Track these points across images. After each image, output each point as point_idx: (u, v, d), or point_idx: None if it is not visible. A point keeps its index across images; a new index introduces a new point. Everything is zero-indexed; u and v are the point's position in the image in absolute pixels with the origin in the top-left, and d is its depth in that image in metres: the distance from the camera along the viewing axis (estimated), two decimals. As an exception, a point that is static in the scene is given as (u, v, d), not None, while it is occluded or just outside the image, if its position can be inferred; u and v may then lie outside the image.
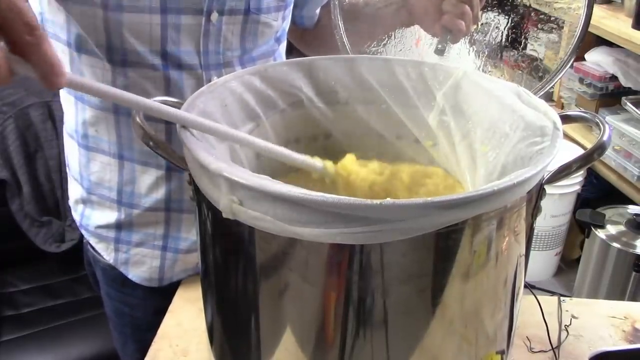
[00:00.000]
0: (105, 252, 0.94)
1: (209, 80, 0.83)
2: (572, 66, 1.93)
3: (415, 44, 0.96)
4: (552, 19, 0.97)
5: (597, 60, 1.89)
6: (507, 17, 0.97)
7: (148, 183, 0.88)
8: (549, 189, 0.59)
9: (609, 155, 1.78)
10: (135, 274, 0.93)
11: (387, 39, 0.97)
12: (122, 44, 0.79)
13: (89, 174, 0.90)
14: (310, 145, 0.78)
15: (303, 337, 0.57)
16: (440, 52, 0.86)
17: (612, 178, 1.80)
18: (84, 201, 0.93)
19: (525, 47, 1.00)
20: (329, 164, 0.69)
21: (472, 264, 0.54)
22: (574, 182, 1.81)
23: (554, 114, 0.62)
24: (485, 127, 0.70)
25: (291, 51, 1.06)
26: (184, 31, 0.81)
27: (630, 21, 1.74)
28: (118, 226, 0.91)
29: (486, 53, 0.96)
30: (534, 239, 0.75)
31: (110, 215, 0.91)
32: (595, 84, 1.91)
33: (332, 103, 0.78)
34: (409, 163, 0.77)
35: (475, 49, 0.96)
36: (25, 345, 1.49)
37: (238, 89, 0.70)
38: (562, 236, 1.90)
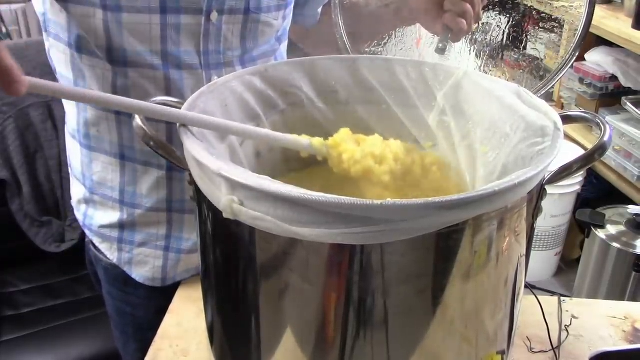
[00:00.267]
0: (109, 252, 0.94)
1: (209, 80, 0.83)
2: (572, 66, 1.93)
3: (416, 43, 0.97)
4: (553, 18, 0.97)
5: (597, 60, 1.89)
6: (508, 16, 0.97)
7: (149, 183, 0.88)
8: (549, 189, 0.59)
9: (609, 155, 1.78)
10: (139, 273, 0.93)
11: (387, 38, 0.97)
12: (122, 44, 0.79)
13: (92, 174, 0.90)
14: (310, 145, 0.78)
15: (303, 338, 0.57)
16: (441, 51, 0.85)
17: (612, 178, 1.80)
18: (87, 201, 0.93)
19: (526, 47, 1.00)
20: (316, 141, 0.67)
21: (472, 264, 0.54)
22: (574, 182, 1.81)
23: (554, 114, 0.62)
24: (486, 128, 0.70)
25: (291, 50, 1.06)
26: (183, 31, 0.81)
27: (630, 21, 1.74)
28: (121, 226, 0.91)
29: (487, 52, 0.96)
30: (534, 239, 0.75)
31: (113, 215, 0.91)
32: (595, 84, 1.91)
33: (332, 103, 0.77)
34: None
35: (476, 48, 0.96)
36: (25, 345, 1.49)
37: (238, 88, 0.70)
38: (562, 236, 1.90)
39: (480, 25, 0.94)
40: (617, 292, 1.63)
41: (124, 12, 0.77)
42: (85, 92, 0.56)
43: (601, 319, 0.90)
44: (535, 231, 0.62)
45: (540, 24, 0.99)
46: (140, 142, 0.59)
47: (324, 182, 0.74)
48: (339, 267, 0.52)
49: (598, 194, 1.98)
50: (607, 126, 0.59)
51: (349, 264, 0.51)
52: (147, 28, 0.78)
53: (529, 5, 0.98)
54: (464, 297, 0.55)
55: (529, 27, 1.00)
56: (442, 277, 0.53)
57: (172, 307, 0.89)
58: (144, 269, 0.93)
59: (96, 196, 0.91)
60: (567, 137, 1.87)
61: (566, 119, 0.64)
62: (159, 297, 0.93)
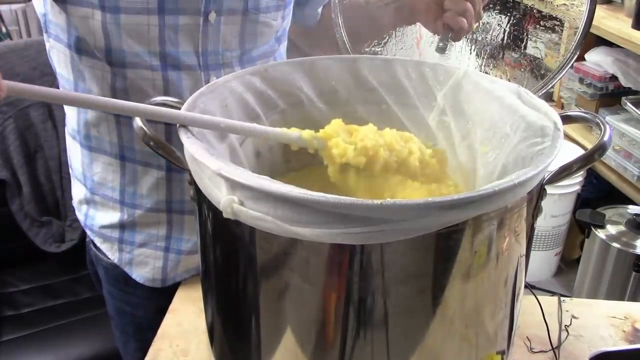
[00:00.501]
0: (110, 252, 0.94)
1: (208, 81, 0.83)
2: (572, 66, 1.93)
3: (416, 43, 0.96)
4: (554, 17, 0.97)
5: (597, 60, 1.89)
6: (508, 15, 0.97)
7: (149, 184, 0.88)
8: (549, 189, 0.59)
9: (609, 156, 1.78)
10: (139, 274, 0.93)
11: (387, 37, 0.97)
12: (120, 46, 0.79)
13: (92, 175, 0.90)
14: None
15: (303, 338, 0.57)
16: (441, 50, 0.85)
17: (612, 178, 1.80)
18: (88, 201, 0.93)
19: (526, 46, 1.00)
20: (305, 133, 0.66)
21: (472, 264, 0.54)
22: (574, 182, 1.81)
23: (554, 114, 0.62)
24: (486, 128, 0.70)
25: (290, 51, 1.06)
26: (182, 32, 0.80)
27: (630, 21, 1.74)
28: (122, 226, 0.91)
29: (487, 52, 0.96)
30: (534, 239, 0.75)
31: (113, 216, 0.91)
32: (595, 84, 1.91)
33: (332, 103, 0.77)
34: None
35: (476, 47, 0.96)
36: (25, 345, 1.49)
37: (238, 89, 0.70)
38: (562, 236, 1.90)
39: (481, 24, 0.94)
40: (617, 292, 1.63)
41: (122, 13, 0.77)
42: (67, 95, 0.55)
43: (601, 319, 0.90)
44: (535, 231, 0.62)
45: (541, 23, 0.99)
46: (140, 142, 0.59)
47: (323, 182, 0.74)
48: (339, 267, 0.52)
49: (598, 194, 1.98)
50: (607, 126, 0.59)
51: (349, 264, 0.51)
52: (145, 29, 0.78)
53: (529, 4, 0.98)
54: (464, 297, 0.55)
55: (529, 26, 1.00)
56: (442, 277, 0.53)
57: (172, 307, 0.89)
58: (144, 269, 0.93)
59: (97, 196, 0.91)
60: (567, 137, 1.87)
61: (566, 119, 0.64)
62: (159, 297, 0.93)
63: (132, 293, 0.96)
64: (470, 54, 0.96)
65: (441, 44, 0.85)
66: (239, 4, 0.83)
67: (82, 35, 0.79)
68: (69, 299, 1.64)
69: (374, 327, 0.54)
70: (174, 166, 0.61)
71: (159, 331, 0.85)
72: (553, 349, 0.83)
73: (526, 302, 0.87)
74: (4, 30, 2.49)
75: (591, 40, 1.87)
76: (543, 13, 0.98)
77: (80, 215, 0.97)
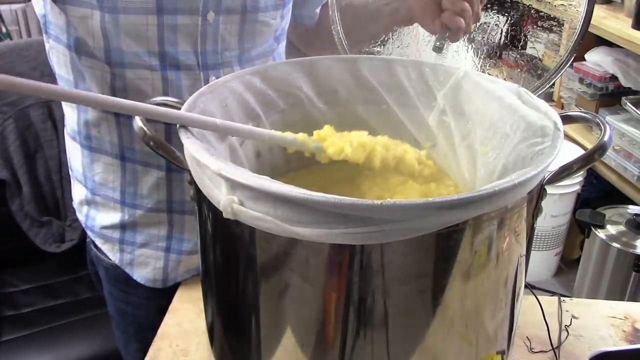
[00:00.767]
0: (111, 253, 0.94)
1: (207, 81, 0.83)
2: (572, 66, 1.94)
3: (414, 42, 0.96)
4: (552, 17, 0.96)
5: (597, 60, 1.89)
6: (506, 15, 0.97)
7: (149, 184, 0.88)
8: (549, 189, 0.59)
9: (609, 156, 1.78)
10: (140, 274, 0.93)
11: (386, 37, 0.97)
12: (119, 46, 0.79)
13: (93, 175, 0.90)
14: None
15: (303, 338, 0.57)
16: (438, 49, 0.85)
17: (612, 178, 1.80)
18: (89, 202, 0.93)
19: (524, 46, 1.00)
20: (301, 136, 0.66)
21: (472, 265, 0.54)
22: (574, 182, 1.81)
23: (554, 114, 0.62)
24: (486, 128, 0.70)
25: (289, 50, 1.06)
26: (180, 31, 0.80)
27: (630, 21, 1.74)
28: (122, 227, 0.91)
29: (485, 51, 0.96)
30: (534, 239, 0.75)
31: (114, 216, 0.91)
32: (595, 84, 1.91)
33: (332, 103, 0.77)
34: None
35: (474, 47, 0.96)
36: (25, 345, 1.49)
37: (238, 88, 0.70)
38: (562, 236, 1.90)
39: (479, 24, 0.94)
40: (617, 292, 1.63)
41: (121, 14, 0.77)
42: (67, 91, 0.55)
43: (601, 319, 0.90)
44: (535, 231, 0.62)
45: (539, 23, 0.99)
46: (140, 142, 0.59)
47: (323, 182, 0.74)
48: (339, 267, 0.52)
49: (598, 194, 1.98)
50: (607, 126, 0.59)
51: (349, 264, 0.51)
52: (144, 29, 0.78)
53: (527, 4, 0.97)
54: (464, 297, 0.55)
55: (527, 26, 1.00)
56: (442, 277, 0.53)
57: (172, 307, 0.89)
58: (145, 270, 0.93)
59: (97, 197, 0.91)
60: (567, 137, 1.87)
61: (566, 119, 0.64)
62: (160, 297, 0.93)
63: (133, 293, 0.96)
64: (467, 53, 0.96)
65: (438, 44, 0.85)
66: (237, 3, 0.83)
67: (82, 36, 0.79)
68: (69, 299, 1.64)
69: (374, 327, 0.54)
70: (174, 166, 0.61)
71: (159, 331, 0.85)
72: (553, 349, 0.83)
73: (526, 302, 0.87)
74: (4, 30, 2.49)
75: (591, 40, 1.87)
76: (541, 13, 0.98)
77: (81, 216, 0.97)
